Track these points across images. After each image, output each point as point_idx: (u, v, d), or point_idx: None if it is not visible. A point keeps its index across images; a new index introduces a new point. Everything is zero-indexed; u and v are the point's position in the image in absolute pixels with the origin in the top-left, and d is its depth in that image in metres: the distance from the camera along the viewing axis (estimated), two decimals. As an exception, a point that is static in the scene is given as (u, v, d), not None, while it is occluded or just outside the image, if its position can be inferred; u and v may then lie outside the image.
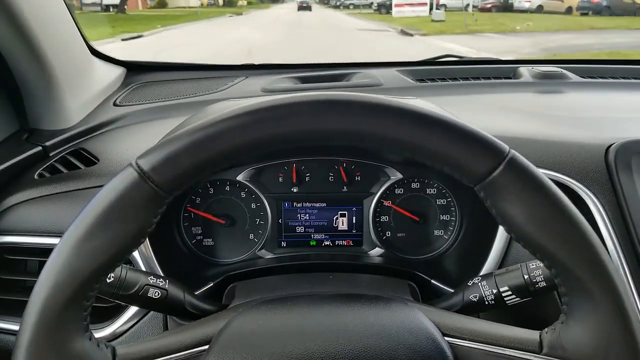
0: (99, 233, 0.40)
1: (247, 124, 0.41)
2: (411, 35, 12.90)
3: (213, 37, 13.69)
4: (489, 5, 20.37)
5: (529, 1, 18.95)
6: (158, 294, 0.61)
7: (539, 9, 18.43)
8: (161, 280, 0.63)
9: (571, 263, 0.41)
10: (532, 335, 0.46)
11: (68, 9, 1.03)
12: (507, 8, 19.09)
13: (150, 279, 0.62)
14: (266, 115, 0.42)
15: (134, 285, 0.60)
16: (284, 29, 16.31)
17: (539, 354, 0.44)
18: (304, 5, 34.68)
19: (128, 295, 0.60)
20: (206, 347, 0.46)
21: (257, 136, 0.41)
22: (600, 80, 1.25)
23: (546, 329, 0.46)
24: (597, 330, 0.41)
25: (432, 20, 16.37)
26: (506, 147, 0.42)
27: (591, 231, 0.42)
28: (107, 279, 0.59)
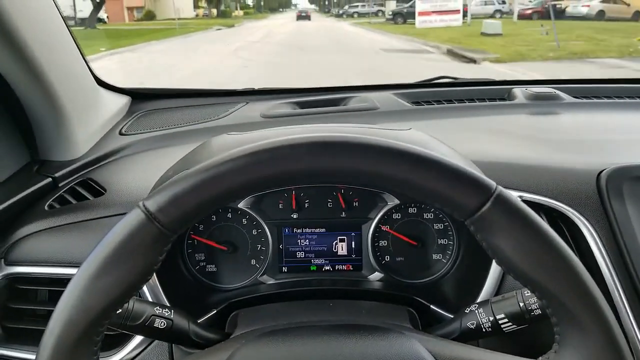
0: (110, 271, 0.43)
1: (248, 165, 0.44)
2: (474, 61, 8.99)
3: (172, 64, 9.77)
4: (528, 12, 16.93)
5: (587, 5, 15.97)
6: (164, 324, 0.64)
7: (600, 15, 15.60)
8: (167, 310, 0.65)
9: (561, 295, 0.43)
10: None
11: (74, 40, 1.07)
12: (558, 15, 14.28)
13: (157, 309, 0.64)
14: (265, 156, 0.45)
15: (141, 315, 0.63)
16: (276, 51, 12.46)
17: None
18: (303, 14, 34.96)
19: (136, 325, 0.62)
20: None
21: (257, 176, 0.45)
22: (594, 100, 1.27)
23: (540, 358, 0.47)
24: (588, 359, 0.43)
25: (483, 34, 12.58)
26: (493, 183, 0.45)
27: (579, 263, 0.44)
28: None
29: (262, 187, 0.46)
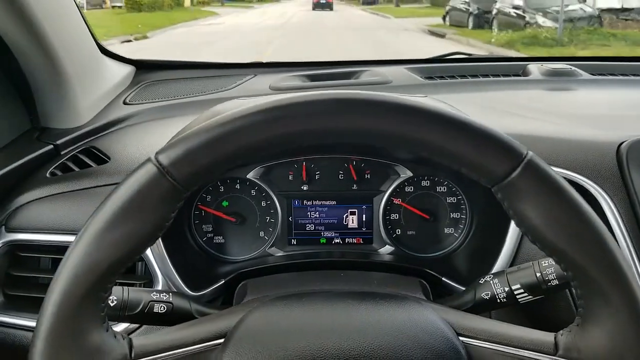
0: (119, 226, 0.41)
1: (269, 120, 0.42)
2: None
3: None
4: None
5: None
6: (164, 309, 0.62)
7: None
8: (164, 294, 0.63)
9: (589, 267, 0.41)
10: (547, 337, 0.46)
11: (77, 8, 1.04)
12: None
13: (154, 294, 0.62)
14: (289, 112, 0.42)
15: (138, 304, 0.61)
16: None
17: (554, 355, 0.44)
18: (322, 1, 22.63)
19: (134, 314, 0.61)
20: (222, 340, 0.46)
21: (278, 133, 0.42)
22: (610, 77, 1.24)
23: (561, 331, 0.46)
24: (614, 335, 0.42)
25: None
26: (524, 148, 0.42)
27: (609, 235, 0.42)
28: (111, 303, 0.59)
29: (283, 145, 0.43)
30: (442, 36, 10.74)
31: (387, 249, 0.87)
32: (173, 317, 0.62)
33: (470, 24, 11.19)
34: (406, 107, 0.42)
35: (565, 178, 0.76)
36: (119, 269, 0.42)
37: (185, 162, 0.41)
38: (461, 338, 0.47)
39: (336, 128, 0.42)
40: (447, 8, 12.62)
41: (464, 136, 0.42)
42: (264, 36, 11.03)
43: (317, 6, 22.82)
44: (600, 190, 0.76)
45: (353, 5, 28.68)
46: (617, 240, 0.74)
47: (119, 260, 0.41)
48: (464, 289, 0.70)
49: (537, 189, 0.41)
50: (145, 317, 0.61)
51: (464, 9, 11.58)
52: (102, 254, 0.40)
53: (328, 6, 22.87)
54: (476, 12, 11.13)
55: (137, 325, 0.74)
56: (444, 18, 12.64)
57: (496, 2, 10.54)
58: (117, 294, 0.60)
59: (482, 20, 10.98)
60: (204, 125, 0.42)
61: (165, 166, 0.41)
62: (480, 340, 0.47)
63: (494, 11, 10.51)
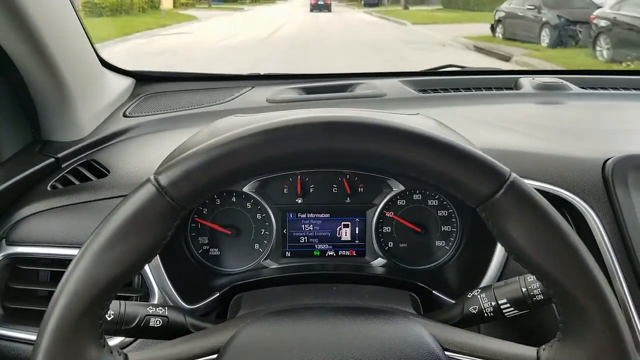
0: (118, 244, 0.42)
1: (265, 141, 0.44)
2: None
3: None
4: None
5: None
6: (159, 322, 0.63)
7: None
8: (160, 308, 0.65)
9: (569, 285, 0.43)
10: (529, 351, 0.48)
11: (79, 21, 1.06)
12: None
13: (150, 309, 0.64)
14: (282, 134, 0.44)
15: (134, 318, 0.62)
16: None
17: None
18: (320, 2, 22.10)
19: (131, 328, 0.62)
20: (215, 356, 0.48)
21: (273, 154, 0.44)
22: (601, 91, 1.26)
23: (543, 346, 0.48)
24: (593, 350, 0.43)
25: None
26: (507, 170, 0.44)
27: (589, 255, 0.44)
28: (108, 317, 0.60)
29: (277, 166, 0.45)
30: (506, 59, 7.21)
31: (380, 261, 0.89)
32: (168, 330, 0.64)
33: (547, 40, 7.74)
34: (392, 129, 0.44)
35: (552, 193, 0.79)
36: (118, 286, 0.43)
37: (184, 183, 0.43)
38: (447, 352, 0.49)
39: (329, 150, 0.45)
40: (499, 15, 8.99)
41: (449, 158, 0.44)
42: (235, 58, 7.53)
43: (314, 7, 22.08)
44: (586, 206, 0.78)
45: (355, 8, 26.12)
46: (602, 256, 0.76)
47: (118, 278, 0.43)
48: (453, 302, 0.72)
49: (519, 209, 0.43)
50: (141, 330, 0.63)
51: (532, 17, 8.10)
52: (102, 271, 0.42)
53: (326, 7, 22.22)
54: (557, 22, 7.55)
55: (131, 339, 0.76)
56: (492, 28, 9.07)
57: (599, 7, 7.05)
58: (114, 309, 0.62)
59: (566, 36, 7.53)
60: (202, 147, 0.44)
61: (164, 186, 0.43)
62: (465, 355, 0.49)
63: (601, 22, 6.61)
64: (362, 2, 26.74)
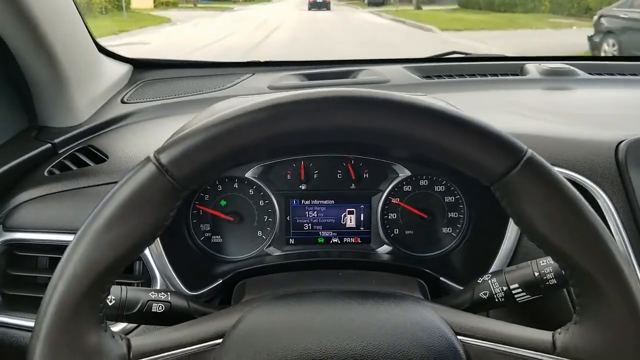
0: (117, 225, 0.40)
1: (271, 117, 0.41)
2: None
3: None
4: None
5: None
6: (162, 308, 0.61)
7: None
8: (163, 293, 0.63)
9: (587, 265, 0.41)
10: (544, 335, 0.46)
11: (76, 6, 1.04)
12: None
13: (152, 294, 0.62)
14: (289, 109, 0.42)
15: (136, 303, 0.61)
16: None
17: (551, 354, 0.44)
18: (319, 1, 21.33)
19: (133, 314, 0.60)
20: (220, 340, 0.46)
21: (279, 131, 0.42)
22: (609, 77, 1.24)
23: (559, 330, 0.46)
24: (611, 332, 0.42)
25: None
26: (524, 146, 0.42)
27: (608, 234, 0.42)
28: (109, 302, 0.58)
29: (283, 143, 0.43)
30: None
31: (385, 248, 0.87)
32: (171, 316, 0.62)
33: None
34: (403, 104, 0.42)
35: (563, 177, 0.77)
36: (118, 269, 0.41)
37: (185, 161, 0.41)
38: (459, 337, 0.47)
39: (336, 125, 0.42)
40: (609, 23, 5.95)
41: (462, 133, 0.41)
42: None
43: (313, 6, 21.43)
44: (599, 189, 0.77)
45: (358, 8, 23.77)
46: (615, 239, 0.74)
47: (118, 260, 0.41)
48: (462, 288, 0.70)
49: (536, 186, 0.41)
50: (144, 316, 0.61)
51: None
52: (101, 253, 0.40)
53: (325, 6, 21.52)
54: None
55: (134, 325, 0.74)
56: (594, 42, 6.08)
57: None
58: (115, 294, 0.60)
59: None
60: (203, 124, 0.42)
61: (165, 165, 0.41)
62: (478, 339, 0.47)
63: None
64: (366, 1, 25.47)
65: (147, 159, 0.41)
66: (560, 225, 0.41)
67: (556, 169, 0.77)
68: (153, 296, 0.62)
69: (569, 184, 0.42)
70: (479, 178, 0.43)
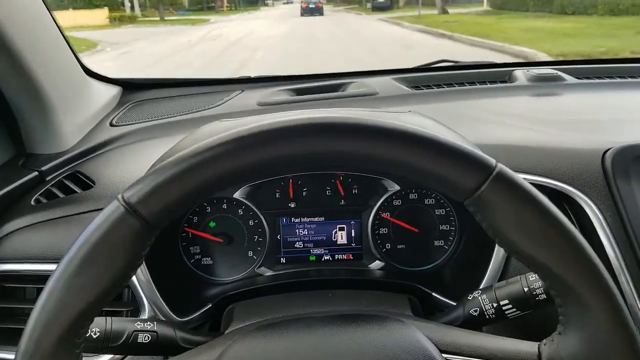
0: (88, 269, 0.40)
1: (236, 150, 0.41)
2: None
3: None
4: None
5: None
6: (148, 338, 0.60)
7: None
8: (149, 323, 0.62)
9: (564, 274, 0.41)
10: (530, 347, 0.46)
11: (61, 32, 1.04)
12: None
13: (137, 324, 0.61)
14: (254, 140, 0.41)
15: (122, 334, 0.59)
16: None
17: None
18: (311, 6, 21.28)
19: (118, 345, 0.59)
20: None
21: (245, 163, 0.41)
22: (597, 80, 1.24)
23: (544, 341, 0.46)
24: (595, 340, 0.41)
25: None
26: (493, 161, 0.42)
27: (583, 240, 0.41)
28: (94, 335, 0.58)
29: (252, 175, 0.42)
30: None
31: (377, 264, 0.87)
32: (157, 346, 0.61)
33: None
34: (371, 127, 0.42)
35: (551, 187, 0.77)
36: (93, 313, 0.41)
37: (153, 199, 0.40)
38: (445, 355, 0.47)
39: (306, 153, 0.42)
40: None
41: (431, 153, 0.41)
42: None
43: (305, 12, 20.95)
44: (586, 198, 0.76)
45: (361, 13, 21.42)
46: (603, 248, 0.74)
47: (92, 304, 0.40)
48: (454, 304, 0.69)
49: (507, 199, 0.41)
50: (130, 347, 0.60)
51: None
52: (74, 298, 0.39)
53: (317, 11, 21.00)
54: None
55: (120, 357, 0.73)
56: None
57: None
58: (100, 325, 0.59)
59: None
60: (170, 160, 0.41)
61: (133, 204, 0.40)
62: (464, 355, 0.47)
63: None
64: (369, 6, 23.07)
65: (115, 200, 0.41)
66: (534, 236, 0.41)
67: (542, 178, 0.77)
68: (139, 326, 0.61)
69: (540, 195, 0.42)
70: (451, 195, 0.43)
